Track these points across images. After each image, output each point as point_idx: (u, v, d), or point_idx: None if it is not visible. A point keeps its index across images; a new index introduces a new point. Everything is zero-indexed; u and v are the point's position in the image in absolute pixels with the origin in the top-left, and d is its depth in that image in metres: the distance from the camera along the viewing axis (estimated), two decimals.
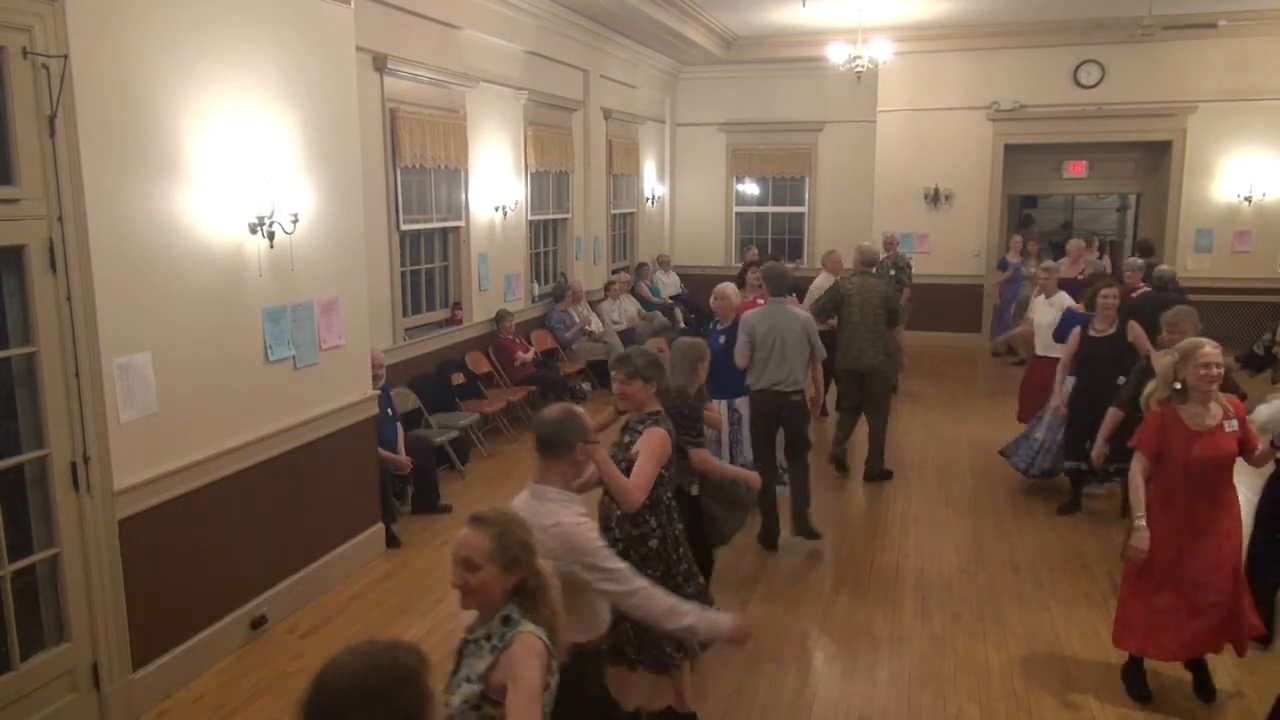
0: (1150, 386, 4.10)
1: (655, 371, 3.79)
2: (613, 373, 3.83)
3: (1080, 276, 9.07)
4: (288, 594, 5.15)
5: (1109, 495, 6.75)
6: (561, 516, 2.80)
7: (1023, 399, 7.85)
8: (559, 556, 2.71)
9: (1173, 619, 3.94)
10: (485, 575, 2.25)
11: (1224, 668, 4.33)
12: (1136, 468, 4.00)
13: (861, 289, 7.29)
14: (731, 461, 5.84)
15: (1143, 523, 3.87)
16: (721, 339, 6.16)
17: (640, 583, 2.82)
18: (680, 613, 2.83)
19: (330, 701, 1.65)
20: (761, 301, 7.68)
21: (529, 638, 2.24)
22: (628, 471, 3.52)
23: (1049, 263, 8.47)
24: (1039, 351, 7.60)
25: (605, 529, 3.72)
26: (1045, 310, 7.49)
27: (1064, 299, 7.47)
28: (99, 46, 3.85)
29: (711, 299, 6.55)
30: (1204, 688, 4.17)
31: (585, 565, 2.76)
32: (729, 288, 6.48)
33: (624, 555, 3.63)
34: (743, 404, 6.12)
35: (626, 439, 3.75)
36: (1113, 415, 5.29)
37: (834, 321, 7.44)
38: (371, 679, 1.67)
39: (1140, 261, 9.54)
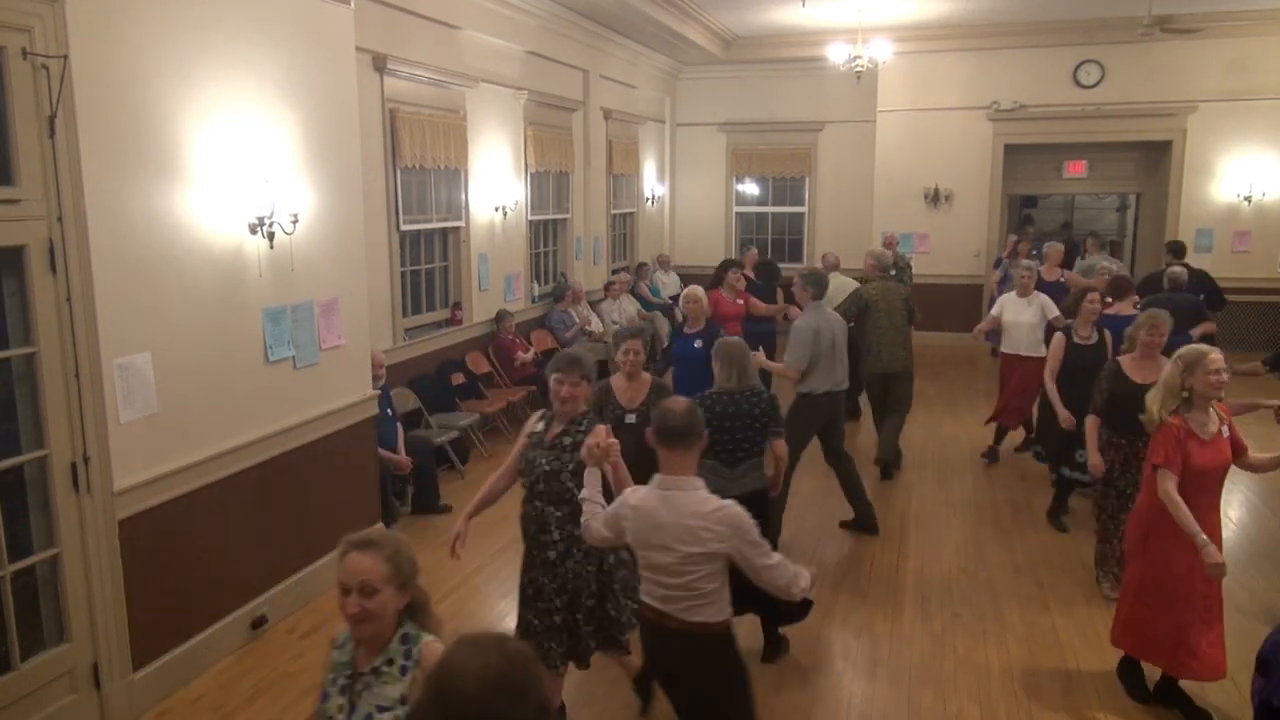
0: (1152, 399, 4.03)
1: (595, 373, 3.88)
2: (560, 375, 3.65)
3: (1061, 280, 9.04)
4: (288, 594, 5.15)
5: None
6: (714, 500, 2.90)
7: (998, 398, 7.86)
8: (726, 539, 2.85)
9: (1187, 634, 3.93)
10: (384, 598, 2.21)
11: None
12: (1169, 487, 3.83)
13: (885, 293, 7.39)
14: None
15: (1205, 537, 3.75)
16: (697, 344, 5.90)
17: (779, 556, 2.96)
18: (798, 577, 2.98)
19: (472, 704, 1.57)
20: (741, 301, 7.76)
21: (437, 645, 2.23)
22: (577, 472, 3.47)
23: (1026, 261, 8.46)
24: (1005, 349, 7.56)
25: (543, 532, 3.65)
26: (1023, 309, 7.46)
27: (1042, 299, 7.47)
28: (99, 46, 3.85)
29: (682, 301, 6.46)
30: (1195, 716, 4.11)
31: (747, 542, 2.87)
32: (699, 290, 6.33)
33: (565, 555, 3.65)
34: None
35: (568, 440, 3.63)
36: (1093, 423, 5.17)
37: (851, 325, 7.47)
38: (508, 673, 1.61)
39: (1112, 265, 9.52)
